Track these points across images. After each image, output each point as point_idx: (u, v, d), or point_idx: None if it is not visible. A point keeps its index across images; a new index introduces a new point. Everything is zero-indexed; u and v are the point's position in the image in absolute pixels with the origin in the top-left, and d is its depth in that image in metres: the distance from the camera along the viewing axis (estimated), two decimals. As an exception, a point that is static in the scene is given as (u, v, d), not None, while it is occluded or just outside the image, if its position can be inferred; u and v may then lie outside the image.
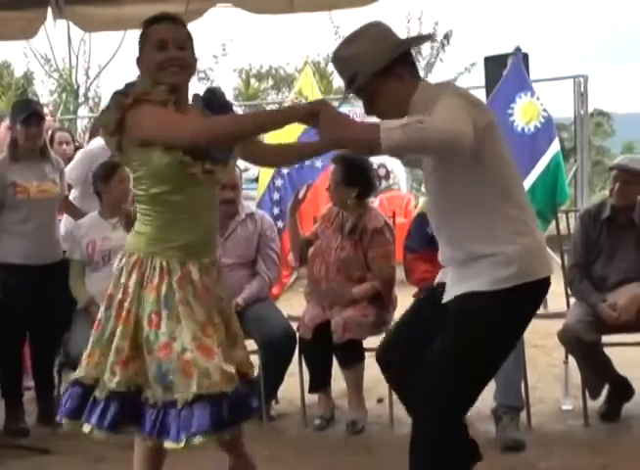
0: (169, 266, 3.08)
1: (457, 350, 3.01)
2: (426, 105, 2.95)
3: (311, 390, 5.09)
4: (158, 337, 3.00)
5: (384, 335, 4.96)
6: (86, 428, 3.07)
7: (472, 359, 2.99)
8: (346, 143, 3.03)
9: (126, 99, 2.99)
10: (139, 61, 3.16)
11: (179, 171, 3.02)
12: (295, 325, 5.07)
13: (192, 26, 5.92)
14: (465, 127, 2.77)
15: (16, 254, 5.02)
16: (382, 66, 3.08)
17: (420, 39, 3.62)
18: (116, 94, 3.05)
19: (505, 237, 3.04)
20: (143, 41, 3.15)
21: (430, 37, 3.67)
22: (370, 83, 3.11)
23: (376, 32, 3.17)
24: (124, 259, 3.15)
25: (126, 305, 3.06)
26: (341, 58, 3.18)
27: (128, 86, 3.07)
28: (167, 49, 3.10)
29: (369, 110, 3.21)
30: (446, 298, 3.19)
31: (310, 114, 2.91)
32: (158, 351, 3.00)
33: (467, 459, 3.18)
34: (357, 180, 5.08)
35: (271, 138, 5.68)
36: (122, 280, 3.10)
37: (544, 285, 3.14)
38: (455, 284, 3.15)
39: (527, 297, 3.08)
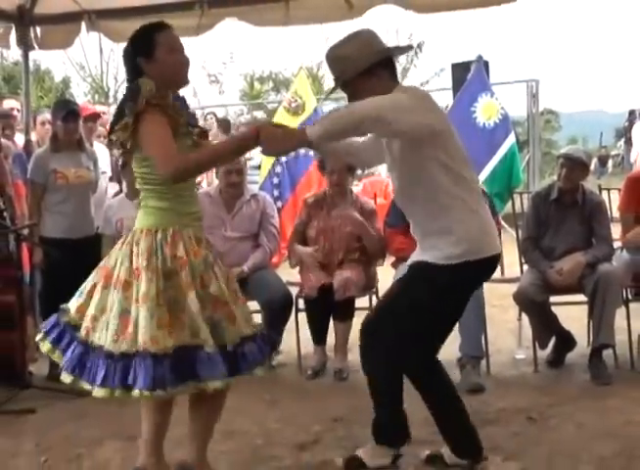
0: (183, 235, 3.02)
1: (404, 305, 3.18)
2: None
3: (316, 341, 5.10)
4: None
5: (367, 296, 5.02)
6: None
7: (415, 315, 3.15)
8: (287, 151, 3.19)
9: (137, 105, 2.91)
10: (148, 63, 3.01)
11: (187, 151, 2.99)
12: (292, 289, 5.07)
13: (204, 37, 5.98)
14: (387, 105, 2.90)
15: (56, 229, 5.06)
16: (365, 67, 3.12)
17: (401, 49, 3.63)
18: (126, 98, 2.99)
19: (457, 217, 3.09)
20: (152, 46, 3.01)
21: (410, 48, 3.73)
22: (354, 80, 3.15)
23: (364, 38, 3.21)
24: (159, 235, 2.99)
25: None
26: (332, 57, 3.22)
27: (132, 90, 2.98)
28: (180, 53, 3.08)
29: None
30: (409, 262, 3.32)
31: (254, 137, 2.92)
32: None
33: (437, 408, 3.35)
34: (354, 167, 5.15)
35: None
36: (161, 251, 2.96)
37: (491, 262, 3.19)
38: (418, 253, 3.26)
39: (473, 272, 3.15)
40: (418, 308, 3.16)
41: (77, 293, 3.13)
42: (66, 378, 3.02)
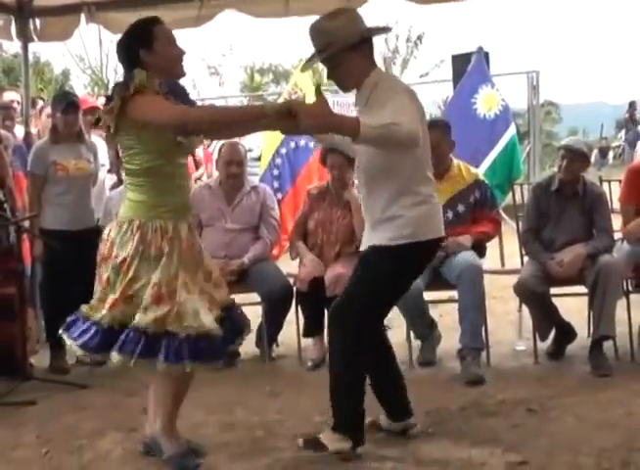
0: (166, 227, 3.20)
1: (363, 284, 3.38)
2: (376, 89, 3.23)
3: (305, 334, 5.08)
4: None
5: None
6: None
7: (370, 291, 3.36)
8: (327, 129, 3.18)
9: (127, 90, 3.06)
10: (147, 54, 3.16)
11: (170, 144, 3.15)
12: (292, 281, 5.06)
13: (204, 29, 5.96)
14: (417, 128, 3.05)
15: (57, 221, 5.05)
16: (353, 42, 3.24)
17: (383, 29, 3.74)
18: (117, 85, 3.17)
19: (408, 205, 3.31)
20: (151, 38, 3.16)
21: (389, 29, 3.84)
22: (339, 54, 3.25)
23: (351, 15, 3.34)
24: (125, 226, 3.20)
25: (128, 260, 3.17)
26: (320, 28, 3.29)
27: (127, 78, 3.13)
28: (177, 46, 3.22)
29: (331, 76, 3.38)
30: (362, 248, 3.50)
31: (278, 114, 3.02)
32: None
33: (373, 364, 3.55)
34: (353, 161, 5.11)
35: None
36: (128, 242, 3.18)
37: (433, 244, 3.44)
38: (368, 238, 3.46)
39: (417, 252, 3.38)
40: (376, 288, 3.37)
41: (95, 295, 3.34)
42: (114, 357, 3.20)
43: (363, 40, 3.28)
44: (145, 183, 3.21)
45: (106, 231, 3.31)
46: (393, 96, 3.16)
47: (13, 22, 6.19)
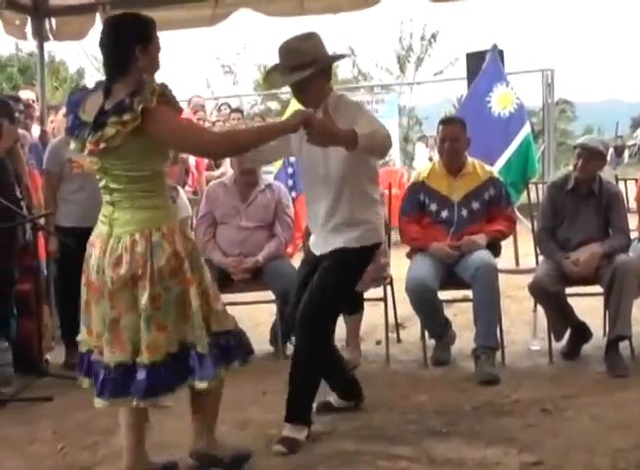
0: (176, 230, 3.01)
1: (333, 284, 3.54)
2: (338, 106, 3.45)
3: None
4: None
5: (381, 287, 5.01)
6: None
7: (338, 291, 3.59)
8: (337, 143, 3.24)
9: (147, 100, 2.80)
10: (142, 51, 2.93)
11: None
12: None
13: (218, 28, 5.97)
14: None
15: (72, 218, 5.06)
16: (330, 64, 3.52)
17: (343, 56, 3.93)
18: (134, 96, 2.82)
19: (371, 211, 3.62)
20: (148, 36, 2.96)
21: (345, 56, 4.06)
22: (314, 74, 3.42)
23: (320, 39, 3.54)
24: (156, 236, 2.91)
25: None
26: (300, 47, 3.46)
27: (137, 84, 2.86)
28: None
29: (301, 93, 3.52)
30: (322, 251, 3.65)
31: (300, 124, 3.12)
32: None
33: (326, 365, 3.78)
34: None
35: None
36: (166, 251, 2.91)
37: (377, 246, 3.74)
38: (332, 241, 3.59)
39: (372, 254, 3.75)
40: (343, 288, 3.63)
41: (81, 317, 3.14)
42: (98, 403, 3.03)
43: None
44: (154, 187, 2.98)
45: (119, 248, 2.91)
46: (360, 108, 3.56)
47: (29, 21, 6.22)
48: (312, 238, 3.81)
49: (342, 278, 3.60)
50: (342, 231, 3.57)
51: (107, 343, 2.94)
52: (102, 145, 2.83)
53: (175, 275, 2.93)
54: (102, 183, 3.02)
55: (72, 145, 3.03)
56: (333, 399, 4.02)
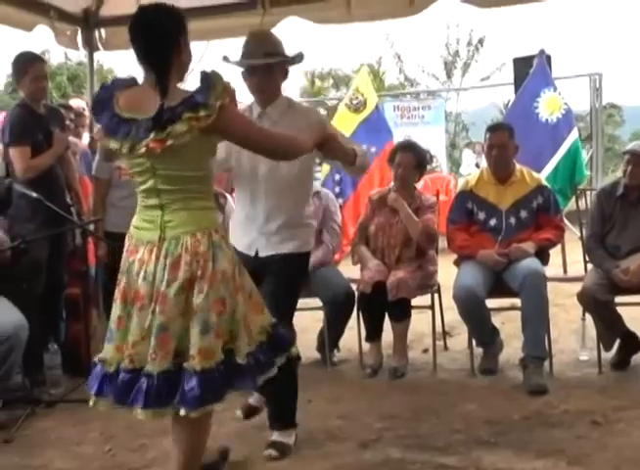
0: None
1: (291, 290, 3.59)
2: (290, 108, 3.60)
3: (367, 339, 5.04)
4: None
5: (428, 294, 4.97)
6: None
7: (295, 296, 3.64)
8: (345, 159, 3.39)
9: (222, 96, 2.67)
10: (184, 46, 2.81)
11: None
12: (354, 286, 5.03)
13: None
14: None
15: (121, 224, 5.07)
16: (293, 62, 3.61)
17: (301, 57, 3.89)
18: (207, 91, 2.66)
19: (310, 215, 3.71)
20: (185, 29, 2.83)
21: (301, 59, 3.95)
22: (281, 65, 3.55)
23: None
24: (215, 237, 2.77)
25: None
26: (274, 37, 3.59)
27: (206, 78, 2.69)
28: None
29: (264, 80, 3.53)
30: (264, 253, 3.60)
31: (320, 142, 3.17)
32: None
33: None
34: (423, 164, 5.20)
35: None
36: (226, 254, 2.80)
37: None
38: (278, 246, 3.57)
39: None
40: (297, 294, 3.67)
41: (107, 337, 2.90)
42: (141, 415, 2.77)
43: None
44: (206, 189, 2.84)
45: (178, 249, 2.73)
46: (319, 115, 3.82)
47: (79, 32, 6.32)
48: (245, 238, 3.61)
49: (297, 283, 3.65)
50: (287, 234, 3.56)
51: (152, 350, 2.72)
52: (169, 142, 2.65)
53: (233, 279, 2.81)
54: (146, 185, 2.82)
55: (114, 144, 2.76)
56: (252, 399, 4.09)
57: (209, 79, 2.70)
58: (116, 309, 2.85)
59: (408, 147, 5.16)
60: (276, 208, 3.56)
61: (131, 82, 2.87)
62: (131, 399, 2.74)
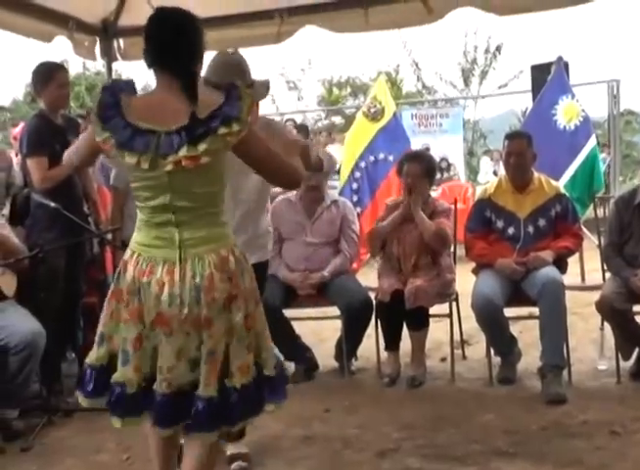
0: None
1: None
2: None
3: (386, 348, 5.01)
4: None
5: (446, 303, 4.94)
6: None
7: None
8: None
9: (249, 115, 2.50)
10: (199, 63, 2.67)
11: None
12: (372, 295, 5.01)
13: (284, 44, 6.00)
14: None
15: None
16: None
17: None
18: (238, 102, 2.49)
19: (268, 223, 3.74)
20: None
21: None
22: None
23: None
24: (237, 252, 2.64)
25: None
26: (245, 65, 3.39)
27: (232, 89, 2.51)
28: None
29: None
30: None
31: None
32: None
33: None
34: (434, 173, 5.21)
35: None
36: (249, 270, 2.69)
37: None
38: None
39: None
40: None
41: (121, 359, 2.69)
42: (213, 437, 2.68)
43: None
44: (221, 204, 2.66)
45: (206, 268, 2.55)
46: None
47: (97, 42, 6.35)
48: None
49: (262, 293, 3.51)
50: (253, 245, 3.47)
51: (204, 376, 2.56)
52: (204, 160, 2.44)
53: (254, 293, 2.71)
54: (155, 201, 2.58)
55: (129, 159, 2.49)
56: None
57: (237, 90, 2.52)
58: (130, 331, 2.64)
59: (415, 157, 5.16)
60: (244, 221, 3.51)
61: (132, 85, 2.65)
62: (192, 423, 2.62)
